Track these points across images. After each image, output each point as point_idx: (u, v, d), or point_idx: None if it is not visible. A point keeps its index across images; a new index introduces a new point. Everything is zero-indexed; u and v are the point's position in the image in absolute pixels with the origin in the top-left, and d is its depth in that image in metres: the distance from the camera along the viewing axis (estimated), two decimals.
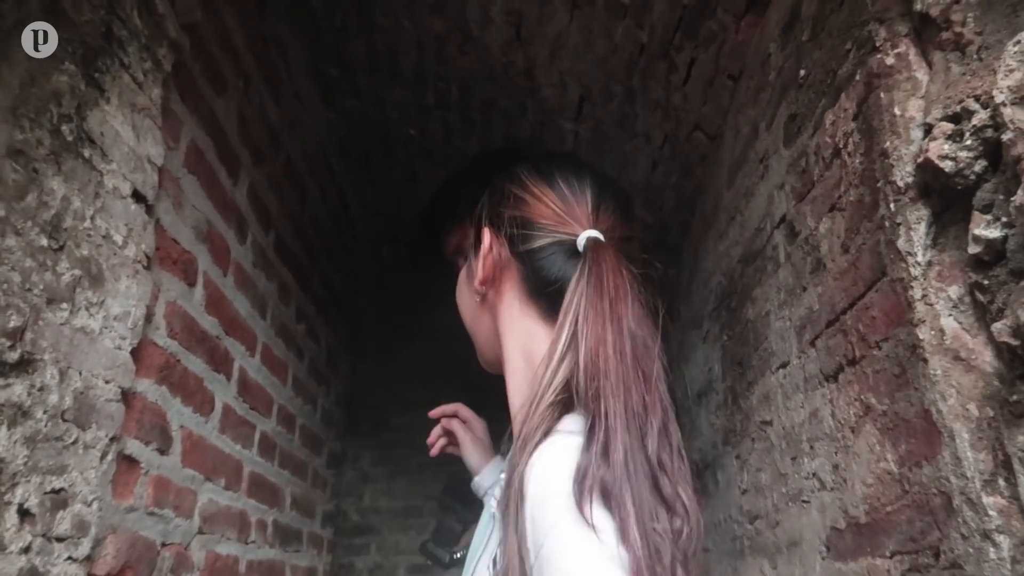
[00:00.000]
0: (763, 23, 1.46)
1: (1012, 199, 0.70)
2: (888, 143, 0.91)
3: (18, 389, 0.93)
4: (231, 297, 1.61)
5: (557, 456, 0.72)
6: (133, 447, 1.21)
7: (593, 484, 0.67)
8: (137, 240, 1.20)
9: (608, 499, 0.67)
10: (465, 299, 1.05)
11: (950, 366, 0.78)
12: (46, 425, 0.98)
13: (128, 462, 1.20)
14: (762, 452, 1.33)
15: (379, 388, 3.13)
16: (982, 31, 0.85)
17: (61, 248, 1.01)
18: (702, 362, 1.81)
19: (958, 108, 0.82)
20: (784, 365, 1.25)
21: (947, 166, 0.81)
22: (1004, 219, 0.72)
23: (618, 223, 0.92)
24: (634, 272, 0.85)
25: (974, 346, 0.77)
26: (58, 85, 1.00)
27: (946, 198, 0.83)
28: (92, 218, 1.08)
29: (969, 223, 0.78)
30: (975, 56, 0.85)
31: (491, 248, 0.96)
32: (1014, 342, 0.69)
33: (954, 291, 0.81)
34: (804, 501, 1.13)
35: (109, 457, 1.13)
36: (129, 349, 1.18)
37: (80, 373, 1.06)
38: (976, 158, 0.79)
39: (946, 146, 0.81)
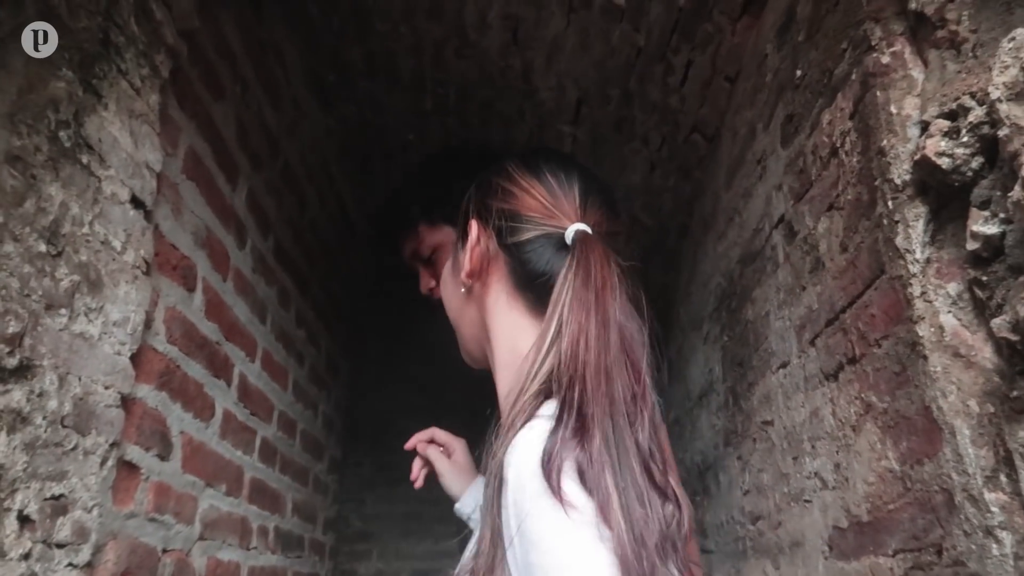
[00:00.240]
0: (759, 25, 1.47)
1: (1009, 195, 0.70)
2: (885, 141, 0.91)
3: (17, 395, 0.93)
4: (231, 303, 1.61)
5: (533, 440, 0.72)
6: (133, 453, 1.20)
7: (560, 465, 0.68)
8: (136, 246, 1.20)
9: (584, 480, 0.67)
10: (450, 293, 1.05)
11: (950, 363, 0.78)
12: (46, 431, 0.98)
13: (128, 468, 1.20)
14: (763, 452, 1.33)
15: (380, 393, 3.13)
16: (977, 29, 0.86)
17: (60, 254, 1.01)
18: (703, 363, 1.81)
19: (954, 105, 0.83)
20: (784, 365, 1.25)
21: (944, 163, 0.81)
22: (1002, 215, 0.73)
23: (605, 218, 0.93)
24: (623, 265, 0.86)
25: (974, 342, 0.77)
26: (56, 91, 1.00)
27: (943, 195, 0.84)
28: (91, 224, 1.08)
29: (967, 220, 0.78)
30: (970, 54, 0.85)
31: (478, 240, 0.96)
32: (1014, 338, 0.69)
33: (953, 288, 0.81)
34: (806, 501, 1.12)
35: (109, 463, 1.13)
36: (129, 355, 1.18)
37: (79, 379, 1.05)
38: (973, 155, 0.79)
39: (943, 143, 0.81)
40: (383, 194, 2.59)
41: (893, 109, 0.92)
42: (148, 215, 1.24)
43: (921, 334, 0.81)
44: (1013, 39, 0.74)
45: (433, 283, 1.66)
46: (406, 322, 3.04)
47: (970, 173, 0.79)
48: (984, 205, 0.76)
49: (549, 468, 0.68)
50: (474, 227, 0.97)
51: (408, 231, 1.66)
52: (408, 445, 1.34)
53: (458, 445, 1.35)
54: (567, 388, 0.75)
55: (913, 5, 0.90)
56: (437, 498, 1.44)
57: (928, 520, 0.80)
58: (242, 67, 1.65)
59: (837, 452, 1.02)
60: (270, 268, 1.86)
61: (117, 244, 1.15)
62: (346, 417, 2.81)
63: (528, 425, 0.75)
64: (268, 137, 1.83)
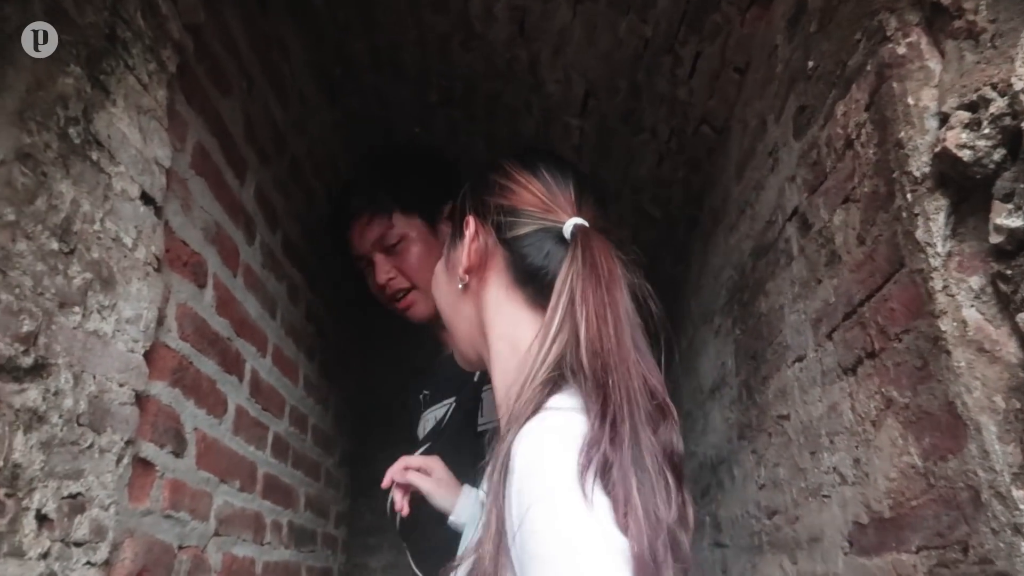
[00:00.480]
0: (768, 15, 1.45)
1: None
2: (903, 133, 0.90)
3: (33, 394, 0.93)
4: (241, 298, 1.60)
5: (550, 431, 0.72)
6: (148, 450, 1.20)
7: (597, 457, 0.67)
8: (147, 242, 1.19)
9: (608, 475, 0.67)
10: (444, 290, 1.05)
11: (974, 358, 0.77)
12: (61, 430, 0.98)
13: (143, 465, 1.19)
14: (779, 447, 1.33)
15: (390, 387, 3.12)
16: (995, 19, 0.84)
17: (72, 252, 1.01)
18: (714, 357, 1.80)
19: (975, 97, 0.82)
20: (800, 359, 1.24)
21: (965, 155, 0.80)
22: None
23: (599, 215, 0.95)
24: (623, 259, 0.88)
25: (998, 337, 0.76)
26: (64, 88, 0.99)
27: (964, 188, 0.83)
28: (102, 221, 1.07)
29: (989, 212, 0.77)
30: (989, 44, 0.84)
31: (476, 235, 0.97)
32: None
33: (975, 281, 0.80)
34: (824, 496, 1.12)
35: (125, 461, 1.13)
36: (142, 352, 1.18)
37: (94, 377, 1.05)
38: (995, 147, 0.78)
39: (963, 135, 0.80)
40: None
41: (910, 100, 0.91)
42: (158, 211, 1.23)
43: (943, 328, 0.81)
44: None
45: (393, 274, 1.69)
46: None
47: (992, 165, 0.78)
48: (1007, 198, 0.75)
49: (588, 458, 0.68)
50: (471, 223, 0.97)
51: (377, 216, 1.66)
52: (384, 484, 1.30)
53: (434, 463, 1.32)
54: (591, 379, 0.75)
55: None
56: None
57: (953, 517, 0.79)
58: (248, 62, 1.64)
59: (856, 447, 1.01)
60: (279, 263, 1.86)
61: (128, 241, 1.14)
62: (356, 411, 2.81)
63: (538, 416, 0.74)
64: (275, 132, 1.82)
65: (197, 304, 1.39)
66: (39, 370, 0.94)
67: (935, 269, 0.83)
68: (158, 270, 1.23)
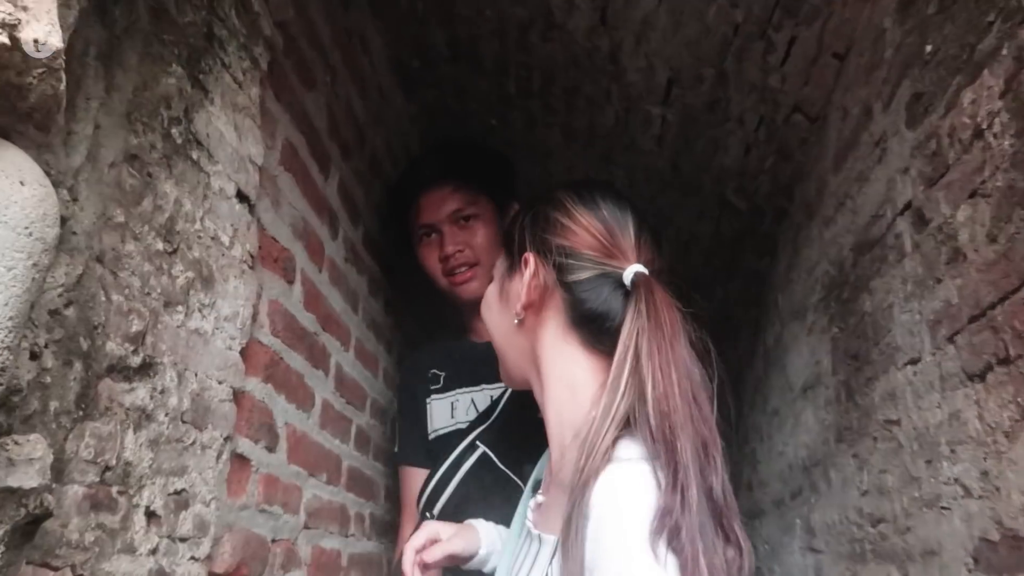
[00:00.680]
0: None
1: None
2: None
3: (141, 393, 0.94)
4: (326, 293, 1.61)
5: (624, 484, 0.76)
6: (244, 446, 1.22)
7: (670, 524, 0.71)
8: (242, 240, 1.20)
9: (678, 536, 0.71)
10: (497, 317, 1.08)
11: None
12: (167, 427, 0.99)
13: (240, 461, 1.21)
14: (887, 453, 1.26)
15: None
16: None
17: (175, 251, 1.02)
18: (807, 355, 1.73)
19: None
20: (914, 362, 1.17)
21: None
22: None
23: (655, 255, 0.97)
24: (682, 309, 0.90)
25: None
26: (167, 88, 1.00)
27: None
28: (201, 220, 1.08)
29: None
30: None
31: (536, 274, 0.98)
32: None
33: None
34: (943, 508, 1.05)
35: (224, 457, 1.14)
36: (239, 349, 1.19)
37: (196, 375, 1.06)
38: None
39: None
40: None
41: None
42: (252, 209, 1.24)
43: None
44: None
45: (462, 246, 1.74)
46: None
47: None
48: None
49: (662, 524, 0.72)
50: (532, 261, 0.99)
51: (460, 189, 1.74)
52: (407, 573, 1.17)
53: (441, 528, 1.21)
54: (660, 440, 0.79)
55: None
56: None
57: None
58: (331, 56, 1.64)
59: (985, 459, 0.94)
60: (360, 257, 1.87)
61: (225, 239, 1.15)
62: None
63: (609, 468, 0.78)
64: (356, 126, 1.82)
65: (287, 300, 1.40)
66: (147, 369, 0.95)
67: None
68: (252, 267, 1.24)
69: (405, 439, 1.78)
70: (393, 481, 2.11)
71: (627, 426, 0.82)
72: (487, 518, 1.27)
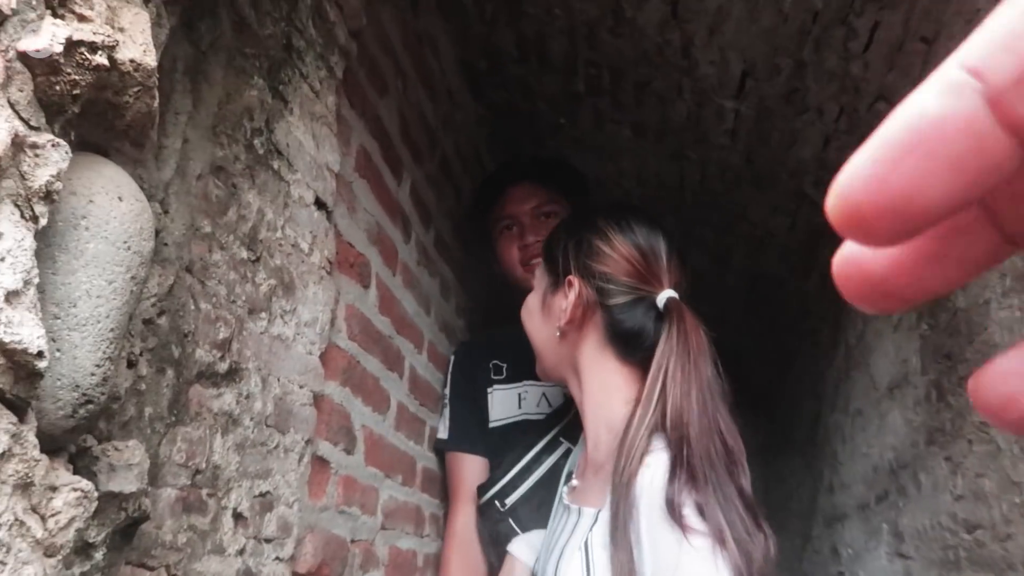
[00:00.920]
0: None
1: None
2: None
3: (228, 398, 0.97)
4: (400, 296, 1.63)
5: (656, 467, 0.94)
6: (324, 448, 1.24)
7: (682, 505, 0.88)
8: (321, 247, 1.22)
9: (704, 515, 0.87)
10: (539, 324, 1.25)
11: None
12: (252, 431, 1.02)
13: (320, 463, 1.23)
14: (984, 456, 1.19)
15: None
16: None
17: (258, 259, 1.05)
18: (892, 353, 1.66)
19: None
20: None
21: None
22: None
23: (682, 275, 1.15)
24: (709, 333, 1.07)
25: None
26: (249, 100, 1.02)
27: None
28: (282, 228, 1.11)
29: None
30: None
31: (580, 295, 1.15)
32: None
33: None
34: None
35: (305, 459, 1.17)
36: (318, 354, 1.21)
37: (278, 379, 1.09)
38: None
39: None
40: None
41: None
42: (329, 215, 1.26)
43: None
44: None
45: (542, 238, 1.75)
46: None
47: None
48: None
49: (673, 508, 0.88)
50: (576, 283, 1.16)
51: (545, 187, 1.85)
52: None
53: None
54: (675, 444, 0.95)
55: None
56: None
57: None
58: (402, 62, 1.65)
59: None
60: (432, 260, 1.88)
61: (305, 246, 1.17)
62: None
63: (645, 462, 0.95)
64: (427, 129, 1.84)
65: (362, 304, 1.42)
66: (233, 375, 0.98)
67: None
68: (330, 273, 1.26)
69: (457, 426, 1.77)
70: None
71: (655, 430, 1.00)
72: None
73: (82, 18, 0.56)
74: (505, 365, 1.80)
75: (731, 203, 2.42)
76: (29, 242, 0.49)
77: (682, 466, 0.91)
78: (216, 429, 0.94)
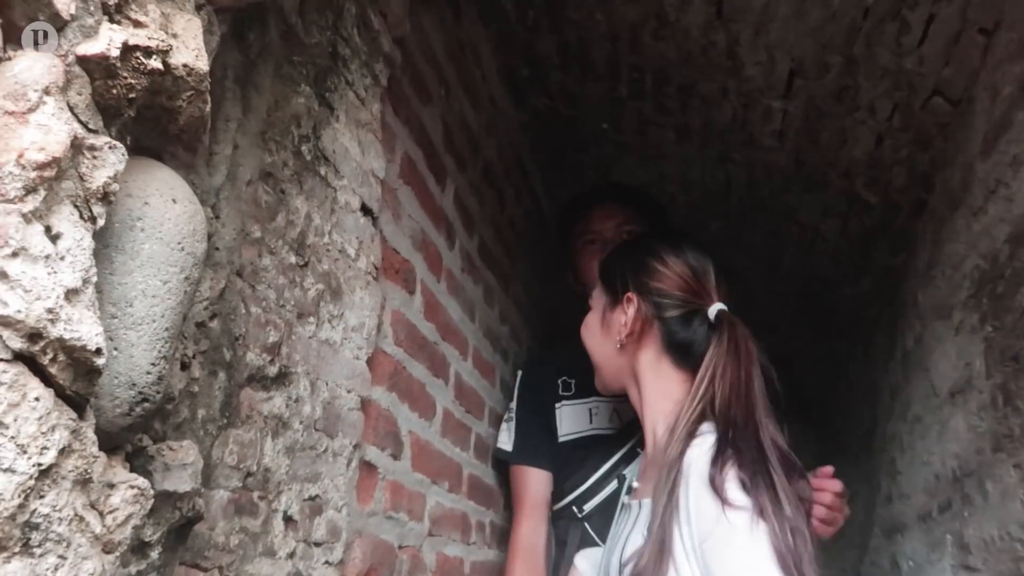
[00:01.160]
0: None
1: None
2: None
3: (278, 401, 0.98)
4: (445, 303, 1.63)
5: (703, 445, 1.05)
6: (372, 453, 1.24)
7: (725, 478, 0.97)
8: (367, 252, 1.23)
9: (746, 489, 0.96)
10: (598, 340, 1.38)
11: None
12: (302, 435, 1.02)
13: (368, 468, 1.23)
14: None
15: None
16: None
17: (306, 264, 1.05)
18: (954, 357, 1.60)
19: None
20: None
21: None
22: None
23: (727, 289, 1.28)
24: (758, 343, 1.18)
25: None
26: (296, 107, 1.04)
27: None
28: (329, 233, 1.12)
29: None
30: None
31: (639, 310, 1.28)
32: None
33: None
34: None
35: (353, 464, 1.17)
36: (365, 359, 1.22)
37: (327, 384, 1.10)
38: None
39: None
40: (576, 187, 2.56)
41: None
42: (375, 221, 1.27)
43: None
44: None
45: None
46: None
47: None
48: None
49: (715, 483, 0.97)
50: (635, 299, 1.28)
51: (631, 207, 1.92)
52: None
53: None
54: (722, 426, 1.07)
55: None
56: None
57: None
58: (445, 70, 1.66)
59: None
60: (476, 267, 1.88)
61: (351, 251, 1.18)
62: None
63: (694, 443, 1.07)
64: (469, 137, 1.84)
65: (408, 310, 1.43)
66: (282, 379, 0.99)
67: None
68: (376, 279, 1.27)
69: (524, 440, 1.85)
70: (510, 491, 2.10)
71: (704, 417, 1.12)
72: None
73: (137, 24, 0.57)
74: (574, 381, 1.86)
75: (779, 206, 2.38)
76: (88, 242, 0.49)
77: (727, 443, 1.02)
78: (266, 432, 0.94)
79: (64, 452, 0.46)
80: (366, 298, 1.22)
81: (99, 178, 0.52)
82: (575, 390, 1.86)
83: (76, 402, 0.48)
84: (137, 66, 0.56)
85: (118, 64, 0.54)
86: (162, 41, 0.57)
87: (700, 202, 2.45)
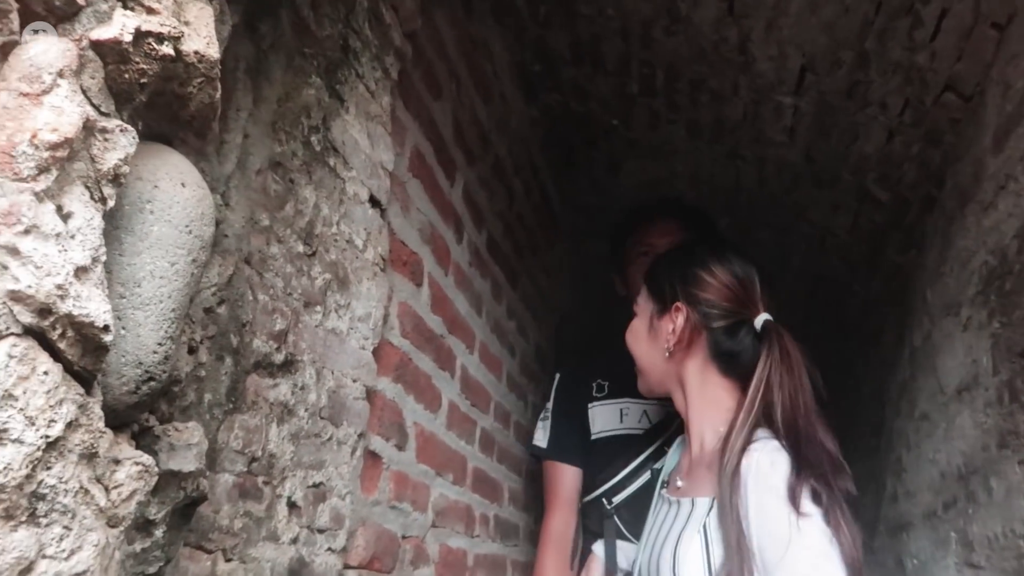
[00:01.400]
0: None
1: None
2: None
3: (284, 389, 0.99)
4: (452, 296, 1.64)
5: (766, 454, 1.09)
6: (376, 443, 1.25)
7: (801, 489, 1.02)
8: (375, 243, 1.24)
9: (817, 495, 1.02)
10: (646, 347, 1.40)
11: None
12: (307, 422, 1.04)
13: (372, 458, 1.25)
14: None
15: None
16: None
17: (314, 254, 1.07)
18: (962, 353, 1.59)
19: None
20: None
21: None
22: None
23: (772, 299, 1.31)
24: (805, 351, 1.23)
25: None
26: (307, 99, 1.05)
27: None
28: (337, 224, 1.13)
29: None
30: None
31: (688, 320, 1.30)
32: None
33: None
34: None
35: (358, 453, 1.18)
36: (371, 349, 1.23)
37: (332, 372, 1.11)
38: None
39: None
40: (586, 184, 2.56)
41: None
42: (383, 213, 1.28)
43: None
44: None
45: None
46: (607, 313, 2.99)
47: None
48: None
49: (792, 493, 1.02)
50: (683, 309, 1.31)
51: (683, 222, 1.93)
52: None
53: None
54: (791, 440, 1.11)
55: None
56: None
57: None
58: (456, 64, 1.67)
59: None
60: (484, 261, 1.89)
61: (359, 242, 1.19)
62: None
63: (750, 449, 1.11)
64: (480, 132, 1.85)
65: (415, 302, 1.43)
66: (288, 366, 1.00)
67: None
68: (384, 270, 1.28)
69: (559, 438, 1.93)
70: (517, 484, 2.12)
71: (759, 425, 1.16)
72: None
73: (150, 11, 0.58)
74: (607, 383, 1.95)
75: (790, 202, 2.37)
76: (98, 221, 0.51)
77: (799, 455, 1.07)
78: (272, 418, 0.96)
79: (71, 426, 0.47)
80: (373, 289, 1.23)
81: (110, 160, 0.53)
82: (607, 391, 1.95)
83: (84, 378, 0.49)
84: (149, 52, 0.57)
85: (131, 49, 0.56)
86: (174, 28, 0.58)
87: (710, 198, 2.45)
